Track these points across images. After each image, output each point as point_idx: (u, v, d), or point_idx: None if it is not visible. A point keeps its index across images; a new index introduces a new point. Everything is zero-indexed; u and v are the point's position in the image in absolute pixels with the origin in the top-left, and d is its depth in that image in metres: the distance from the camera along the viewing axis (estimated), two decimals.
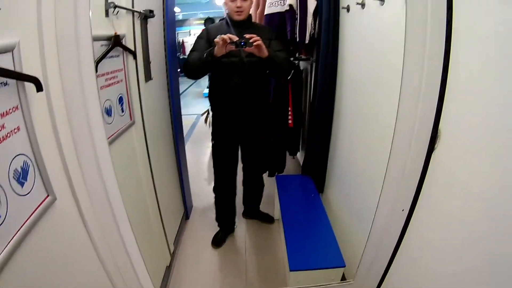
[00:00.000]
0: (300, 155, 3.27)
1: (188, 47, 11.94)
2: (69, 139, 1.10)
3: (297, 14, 2.37)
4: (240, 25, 1.98)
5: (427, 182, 1.23)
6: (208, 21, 7.68)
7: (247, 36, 1.77)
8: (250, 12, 2.04)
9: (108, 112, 1.41)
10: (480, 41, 0.94)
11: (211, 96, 2.22)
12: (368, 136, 1.75)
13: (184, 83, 9.42)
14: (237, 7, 1.91)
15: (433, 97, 1.15)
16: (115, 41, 1.37)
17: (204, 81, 8.20)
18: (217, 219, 2.54)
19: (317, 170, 2.56)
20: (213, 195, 2.47)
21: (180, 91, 8.72)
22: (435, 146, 1.17)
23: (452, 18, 1.06)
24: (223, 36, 1.77)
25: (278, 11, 2.53)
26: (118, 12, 1.37)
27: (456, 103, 1.07)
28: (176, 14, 10.67)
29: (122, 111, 1.55)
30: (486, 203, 0.91)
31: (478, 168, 0.94)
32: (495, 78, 0.88)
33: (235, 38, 1.77)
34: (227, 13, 2.00)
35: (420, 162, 1.23)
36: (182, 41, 12.13)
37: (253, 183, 2.55)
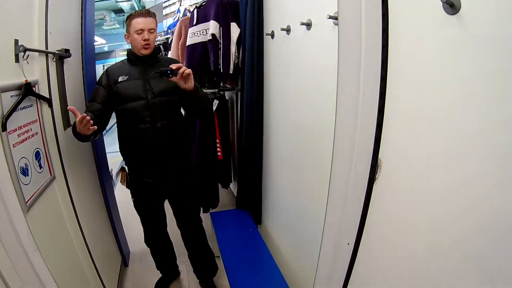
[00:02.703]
0: (233, 186, 3.20)
1: None
2: None
3: (220, 43, 2.34)
4: (146, 60, 1.76)
5: (371, 214, 1.18)
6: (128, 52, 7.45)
7: (173, 66, 1.54)
8: (173, 44, 1.95)
9: (24, 171, 1.20)
10: (418, 65, 0.92)
11: (121, 150, 1.90)
12: (303, 165, 1.73)
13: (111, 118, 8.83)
14: (144, 40, 1.69)
15: (371, 125, 1.10)
16: (26, 90, 1.19)
17: None
18: (158, 267, 2.32)
19: (252, 202, 2.50)
20: None
21: (108, 127, 8.22)
22: (376, 176, 1.13)
23: (387, 41, 1.03)
24: (75, 112, 1.40)
25: (201, 41, 2.44)
26: (28, 56, 1.19)
27: (395, 131, 1.04)
28: (101, 46, 10.18)
29: (40, 167, 1.34)
30: (431, 234, 0.90)
31: (421, 197, 0.93)
32: (433, 103, 0.86)
33: (88, 121, 1.40)
34: (129, 49, 1.82)
35: (362, 193, 1.17)
36: (101, 75, 11.41)
37: (190, 226, 2.14)
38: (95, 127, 1.46)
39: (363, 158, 1.13)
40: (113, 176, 4.34)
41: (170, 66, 1.54)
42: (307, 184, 1.70)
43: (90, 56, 2.05)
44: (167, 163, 1.85)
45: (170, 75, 1.55)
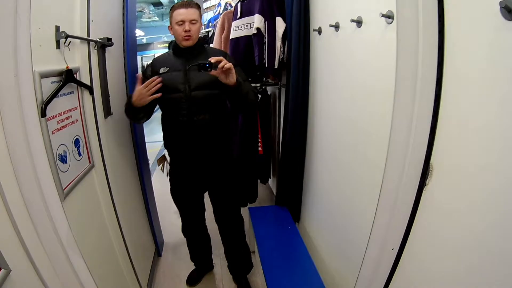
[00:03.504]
0: (271, 182, 3.14)
1: None
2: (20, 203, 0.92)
3: (265, 37, 2.27)
4: (189, 52, 1.71)
5: (418, 220, 1.11)
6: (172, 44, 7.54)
7: (212, 59, 1.47)
8: (215, 37, 1.88)
9: (63, 159, 1.20)
10: (472, 68, 0.85)
11: (164, 139, 1.90)
12: (348, 165, 1.63)
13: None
14: (185, 31, 1.64)
15: (425, 128, 1.03)
16: (68, 77, 1.18)
17: None
18: (192, 259, 2.31)
19: (292, 199, 2.43)
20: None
21: None
22: (427, 181, 1.05)
23: (443, 43, 0.96)
24: (140, 80, 1.58)
25: (245, 35, 2.41)
26: (70, 43, 1.19)
27: (448, 135, 0.97)
28: (140, 38, 10.46)
29: (79, 155, 1.34)
30: (480, 242, 0.82)
31: (472, 205, 0.86)
32: (488, 108, 0.79)
33: (158, 83, 1.56)
34: (173, 41, 1.79)
35: (411, 197, 1.10)
36: (147, 65, 11.76)
37: (228, 221, 2.10)
38: (159, 94, 1.58)
39: (415, 162, 1.05)
40: (149, 166, 4.44)
41: (209, 59, 1.47)
42: (351, 184, 1.61)
43: (131, 46, 2.06)
44: (206, 157, 1.83)
45: (209, 69, 1.47)
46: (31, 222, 0.97)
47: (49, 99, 1.07)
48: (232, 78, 1.53)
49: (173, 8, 1.68)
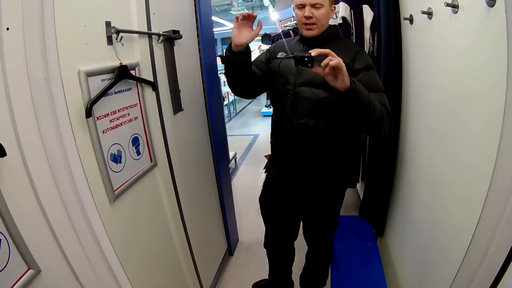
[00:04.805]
0: (359, 187, 2.81)
1: None
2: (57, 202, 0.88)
3: (352, 28, 1.98)
4: (315, 41, 1.35)
5: None
6: (265, 37, 7.42)
7: (313, 52, 1.08)
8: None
9: (116, 159, 1.16)
10: None
11: (271, 136, 1.62)
12: (444, 178, 1.26)
13: (242, 101, 9.25)
14: (305, 18, 1.29)
15: None
16: (120, 73, 1.13)
17: (264, 98, 7.93)
18: (269, 274, 2.04)
19: (376, 211, 2.12)
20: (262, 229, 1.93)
21: (238, 110, 8.71)
22: None
23: None
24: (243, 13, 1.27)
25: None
26: (122, 38, 1.12)
27: None
28: (230, 30, 10.68)
29: (138, 154, 1.30)
30: None
31: None
32: None
33: (253, 15, 1.25)
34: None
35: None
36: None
37: (319, 251, 1.77)
38: (258, 30, 1.30)
39: None
40: (236, 160, 4.47)
41: (310, 51, 1.09)
42: (447, 201, 1.25)
43: (208, 39, 1.98)
44: (306, 176, 1.49)
45: (308, 64, 1.10)
46: (70, 225, 0.94)
47: (95, 99, 1.02)
48: (343, 82, 1.09)
49: None
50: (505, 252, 0.82)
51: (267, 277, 2.08)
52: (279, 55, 1.48)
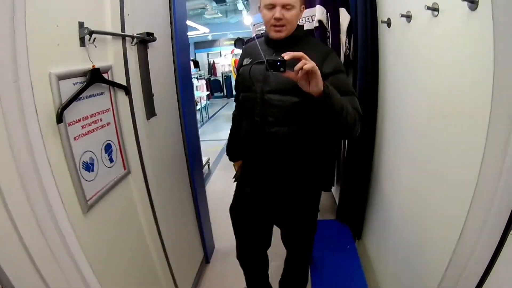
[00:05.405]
0: (335, 190, 2.86)
1: (219, 68, 11.84)
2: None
3: (328, 31, 2.00)
4: (283, 43, 1.29)
5: (496, 269, 0.86)
6: (239, 41, 7.41)
7: (286, 56, 1.02)
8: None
9: (89, 167, 1.09)
10: None
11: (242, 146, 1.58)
12: (422, 183, 1.30)
13: (215, 105, 9.18)
14: (275, 19, 1.23)
15: None
16: (93, 76, 1.07)
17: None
18: (247, 282, 1.98)
19: (354, 214, 2.15)
20: None
21: (211, 114, 8.63)
22: None
23: None
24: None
25: (306, 29, 2.15)
26: (95, 39, 1.07)
27: None
28: (205, 35, 10.71)
29: (111, 161, 1.24)
30: None
31: None
32: None
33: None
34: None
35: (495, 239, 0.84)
36: (213, 62, 12.04)
37: (298, 256, 1.73)
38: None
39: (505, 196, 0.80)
40: (210, 165, 4.41)
41: (283, 55, 1.03)
42: (421, 207, 1.30)
43: (182, 42, 1.94)
44: (277, 183, 1.45)
45: (281, 68, 1.04)
46: (44, 239, 0.87)
47: (67, 103, 0.95)
48: (316, 86, 1.05)
49: None
50: (483, 264, 0.86)
51: (244, 284, 2.03)
52: (245, 61, 1.44)
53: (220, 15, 9.04)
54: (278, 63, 1.03)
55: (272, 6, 1.23)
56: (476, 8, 0.85)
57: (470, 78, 0.92)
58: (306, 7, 2.06)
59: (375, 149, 1.89)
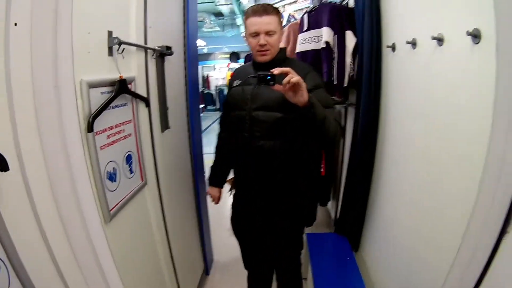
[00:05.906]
0: (330, 205, 2.88)
1: (213, 82, 11.88)
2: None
3: (334, 53, 2.05)
4: (267, 66, 1.34)
5: (492, 270, 0.87)
6: (233, 55, 7.50)
7: (275, 71, 1.13)
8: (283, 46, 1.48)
9: (112, 177, 1.09)
10: None
11: (231, 159, 1.68)
12: (422, 202, 1.33)
13: (207, 119, 9.15)
14: (260, 45, 1.35)
15: None
16: (120, 87, 1.07)
17: None
18: None
19: (352, 227, 2.16)
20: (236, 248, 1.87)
21: (204, 127, 8.57)
22: (508, 229, 0.84)
23: None
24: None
25: (312, 48, 2.18)
26: (123, 50, 1.08)
27: None
28: (201, 47, 10.72)
29: (131, 172, 1.23)
30: None
31: None
32: None
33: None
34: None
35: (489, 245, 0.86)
36: (207, 75, 12.11)
37: (284, 271, 1.72)
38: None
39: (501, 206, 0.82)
40: (205, 178, 4.38)
41: (272, 70, 1.14)
42: (419, 219, 1.35)
43: (193, 56, 1.97)
44: (268, 196, 1.52)
45: (271, 82, 1.15)
46: (70, 248, 0.85)
47: (97, 112, 0.96)
48: (302, 97, 1.15)
49: (246, 15, 1.39)
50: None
51: None
52: (235, 83, 1.53)
53: (218, 28, 9.15)
54: (268, 77, 1.15)
55: (256, 34, 1.35)
56: (478, 42, 0.90)
57: (469, 109, 0.98)
58: (314, 28, 2.14)
59: (375, 167, 1.93)
